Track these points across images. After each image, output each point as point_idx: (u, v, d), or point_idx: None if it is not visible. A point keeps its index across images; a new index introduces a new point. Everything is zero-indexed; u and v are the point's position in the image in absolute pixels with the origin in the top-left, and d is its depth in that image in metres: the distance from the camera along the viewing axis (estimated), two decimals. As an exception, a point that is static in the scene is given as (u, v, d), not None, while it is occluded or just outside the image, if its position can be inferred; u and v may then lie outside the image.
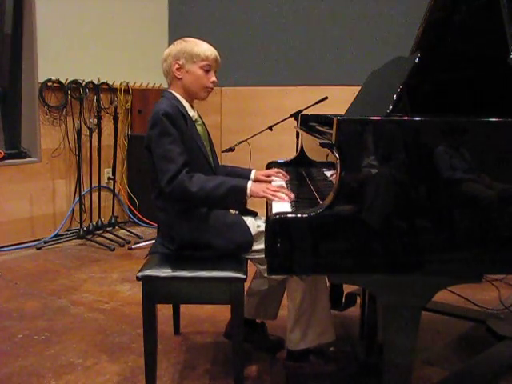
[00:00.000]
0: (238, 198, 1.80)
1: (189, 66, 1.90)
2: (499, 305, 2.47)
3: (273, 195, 1.74)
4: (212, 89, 1.97)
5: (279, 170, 2.15)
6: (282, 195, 1.73)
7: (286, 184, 2.03)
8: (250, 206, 2.01)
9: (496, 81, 1.66)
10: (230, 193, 1.78)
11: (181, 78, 1.92)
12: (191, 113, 1.94)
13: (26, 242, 3.75)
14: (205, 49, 1.91)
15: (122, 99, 4.31)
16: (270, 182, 2.03)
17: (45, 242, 3.77)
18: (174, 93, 1.93)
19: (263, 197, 1.77)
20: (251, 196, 1.79)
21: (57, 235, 3.93)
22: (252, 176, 2.09)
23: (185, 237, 1.84)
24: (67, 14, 3.91)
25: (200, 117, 2.02)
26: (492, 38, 1.70)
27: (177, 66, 1.91)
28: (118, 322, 2.50)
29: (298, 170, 2.39)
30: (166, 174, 1.76)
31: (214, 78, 1.94)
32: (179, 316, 2.35)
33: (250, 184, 1.79)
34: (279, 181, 2.05)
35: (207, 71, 1.92)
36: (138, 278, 1.76)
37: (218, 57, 1.95)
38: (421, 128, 1.39)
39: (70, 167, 4.04)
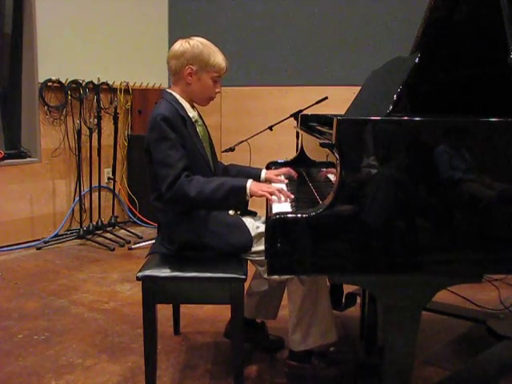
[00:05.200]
0: (238, 198, 1.80)
1: (201, 74, 1.88)
2: (499, 305, 2.47)
3: (272, 194, 1.74)
4: (214, 99, 1.97)
5: (289, 169, 2.16)
6: (281, 196, 1.73)
7: (286, 184, 2.03)
8: (249, 207, 2.01)
9: (496, 81, 1.66)
10: (229, 194, 1.77)
11: (190, 84, 1.89)
12: (191, 114, 1.93)
13: (26, 242, 3.75)
14: (221, 60, 1.88)
15: (122, 99, 4.31)
16: (269, 182, 2.04)
17: (45, 242, 3.77)
18: (174, 94, 1.91)
19: (262, 195, 1.76)
20: (251, 196, 1.79)
21: (57, 235, 3.93)
22: (262, 176, 2.08)
23: (184, 238, 1.84)
24: (67, 14, 3.90)
25: (200, 117, 2.02)
26: (492, 38, 1.70)
27: (189, 70, 1.87)
28: (118, 322, 2.50)
29: (298, 170, 2.39)
30: (166, 179, 1.76)
31: (219, 89, 1.94)
32: (179, 316, 2.35)
33: (249, 183, 1.78)
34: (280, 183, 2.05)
35: (216, 82, 1.91)
36: (137, 278, 1.75)
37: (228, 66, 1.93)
38: (421, 128, 1.39)
39: (69, 167, 4.03)
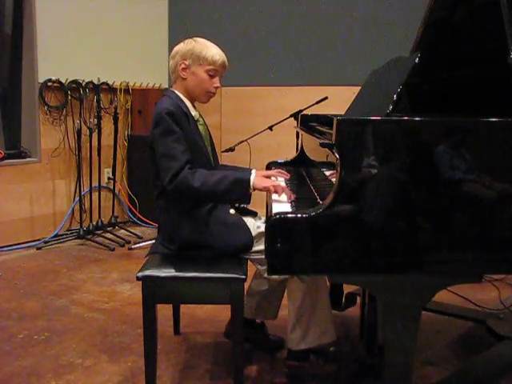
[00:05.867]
0: (241, 191, 1.79)
1: (194, 68, 1.89)
2: (499, 305, 2.47)
3: (275, 187, 1.74)
4: (214, 94, 1.96)
5: (280, 170, 2.14)
6: (284, 190, 1.74)
7: (286, 184, 2.03)
8: (249, 206, 2.01)
9: (496, 81, 1.66)
10: (233, 186, 1.77)
11: (185, 79, 1.91)
12: (193, 112, 1.93)
13: (26, 242, 3.75)
14: (213, 53, 1.89)
15: (122, 99, 4.31)
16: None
17: (45, 242, 3.77)
18: (176, 92, 1.92)
19: (265, 188, 1.76)
20: (255, 189, 1.78)
21: (57, 235, 3.93)
22: (253, 175, 2.08)
23: (185, 237, 1.84)
24: (67, 14, 3.90)
25: (201, 116, 2.02)
26: (492, 37, 1.70)
27: (183, 65, 1.89)
28: (118, 322, 2.50)
29: (298, 170, 2.39)
30: (169, 171, 1.76)
31: (217, 84, 1.93)
32: (179, 316, 2.35)
33: (253, 176, 1.79)
34: (280, 182, 2.04)
35: (212, 76, 1.91)
36: (138, 278, 1.75)
37: (226, 62, 1.93)
38: (421, 128, 1.39)
39: (70, 167, 4.03)
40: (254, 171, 2.05)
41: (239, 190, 1.79)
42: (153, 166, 1.87)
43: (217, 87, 1.94)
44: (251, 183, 1.77)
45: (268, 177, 2.03)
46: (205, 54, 1.88)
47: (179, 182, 1.75)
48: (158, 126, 1.80)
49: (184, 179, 1.75)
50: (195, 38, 1.93)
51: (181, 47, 1.92)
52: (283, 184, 2.00)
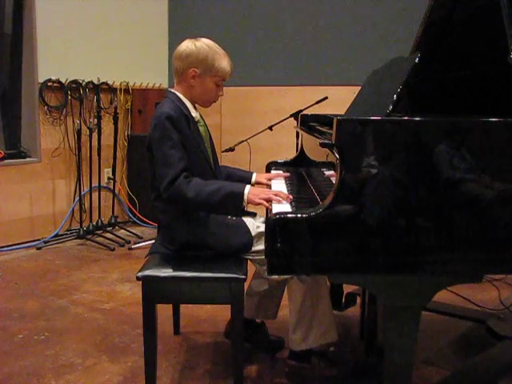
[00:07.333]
0: (234, 205, 1.79)
1: (205, 78, 1.87)
2: (499, 305, 2.47)
3: (269, 200, 1.72)
4: (216, 101, 1.97)
5: (279, 173, 2.15)
6: (279, 199, 1.71)
7: (286, 184, 2.03)
8: (249, 207, 2.01)
9: (496, 81, 1.66)
10: (226, 198, 1.76)
11: (193, 86, 1.89)
12: (194, 113, 1.93)
13: (26, 242, 3.75)
14: (225, 65, 1.87)
15: (122, 99, 4.31)
16: (269, 185, 2.03)
17: (45, 242, 3.77)
18: (177, 94, 1.91)
19: (259, 204, 1.75)
20: (248, 203, 1.77)
21: (57, 235, 3.93)
22: (253, 179, 2.09)
23: (185, 238, 1.84)
24: (67, 14, 3.90)
25: (202, 117, 2.02)
26: (492, 37, 1.70)
27: (193, 73, 1.86)
28: (118, 321, 2.50)
29: (298, 170, 2.39)
30: (165, 178, 1.76)
31: (222, 92, 1.94)
32: (179, 316, 2.35)
33: (247, 191, 1.77)
34: (279, 183, 2.04)
35: (219, 85, 1.91)
36: (138, 278, 1.76)
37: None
38: (421, 128, 1.39)
39: (69, 167, 4.04)
40: (254, 176, 2.06)
41: (232, 204, 1.79)
42: (151, 168, 1.87)
43: (220, 95, 1.94)
44: (245, 197, 1.76)
45: (267, 184, 2.03)
46: (218, 65, 1.86)
47: (174, 190, 1.75)
48: (156, 130, 1.80)
49: (179, 188, 1.74)
50: (207, 43, 1.88)
51: (193, 51, 1.85)
52: (283, 185, 2.00)
